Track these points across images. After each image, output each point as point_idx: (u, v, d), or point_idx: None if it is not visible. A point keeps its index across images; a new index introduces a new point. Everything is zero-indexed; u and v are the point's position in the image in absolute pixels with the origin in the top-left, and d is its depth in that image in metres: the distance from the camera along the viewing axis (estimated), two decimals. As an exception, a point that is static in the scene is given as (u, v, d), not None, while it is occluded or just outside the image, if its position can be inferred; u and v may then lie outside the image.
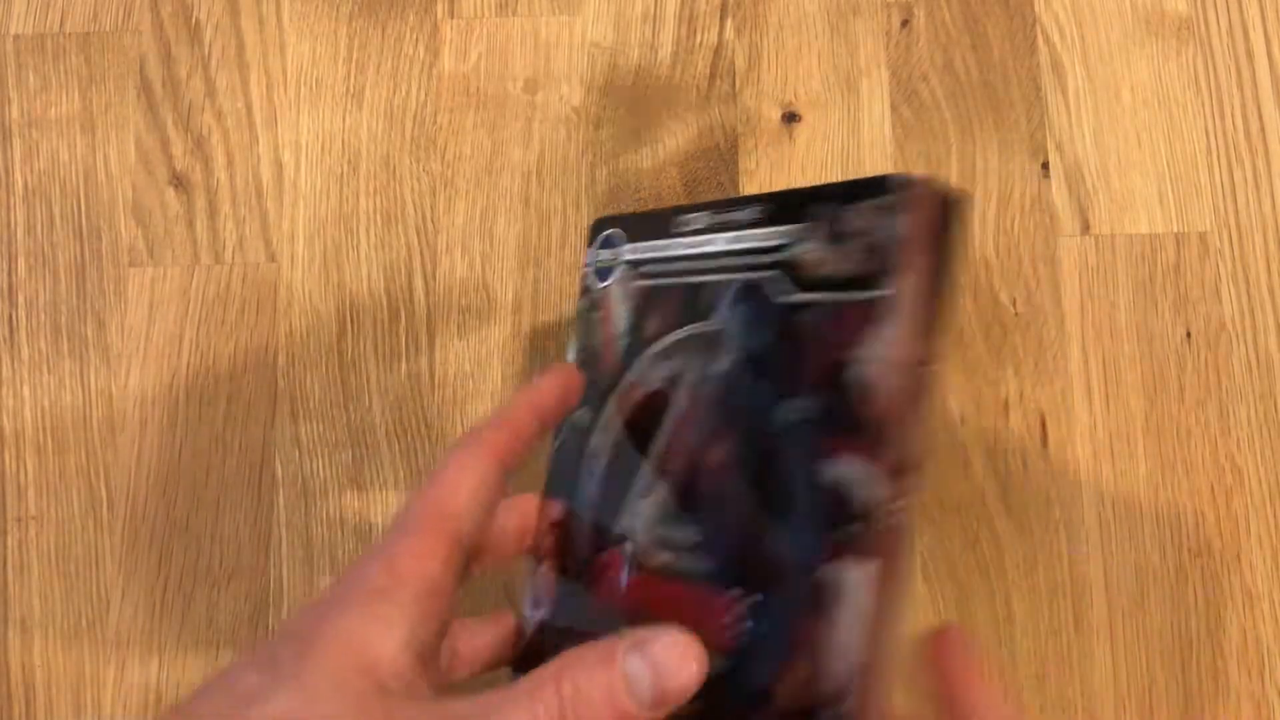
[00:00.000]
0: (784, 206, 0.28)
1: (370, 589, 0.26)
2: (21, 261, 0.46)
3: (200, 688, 0.24)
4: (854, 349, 0.24)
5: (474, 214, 0.46)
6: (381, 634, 0.25)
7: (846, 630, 0.23)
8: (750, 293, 0.28)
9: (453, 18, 0.48)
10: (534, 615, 0.33)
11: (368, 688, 0.24)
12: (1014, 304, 0.45)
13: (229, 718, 0.23)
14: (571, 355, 0.35)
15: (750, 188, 0.46)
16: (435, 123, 0.47)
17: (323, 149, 0.47)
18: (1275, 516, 0.43)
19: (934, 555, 0.43)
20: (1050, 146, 0.46)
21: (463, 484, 0.29)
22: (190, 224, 0.46)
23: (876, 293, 0.24)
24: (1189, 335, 0.45)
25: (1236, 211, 0.46)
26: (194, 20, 0.48)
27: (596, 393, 0.33)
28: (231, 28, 0.48)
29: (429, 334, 0.45)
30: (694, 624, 0.24)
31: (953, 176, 0.46)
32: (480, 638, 0.32)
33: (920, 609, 0.43)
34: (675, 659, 0.23)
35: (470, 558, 0.29)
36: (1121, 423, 0.44)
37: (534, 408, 0.32)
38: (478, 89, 0.47)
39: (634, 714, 0.23)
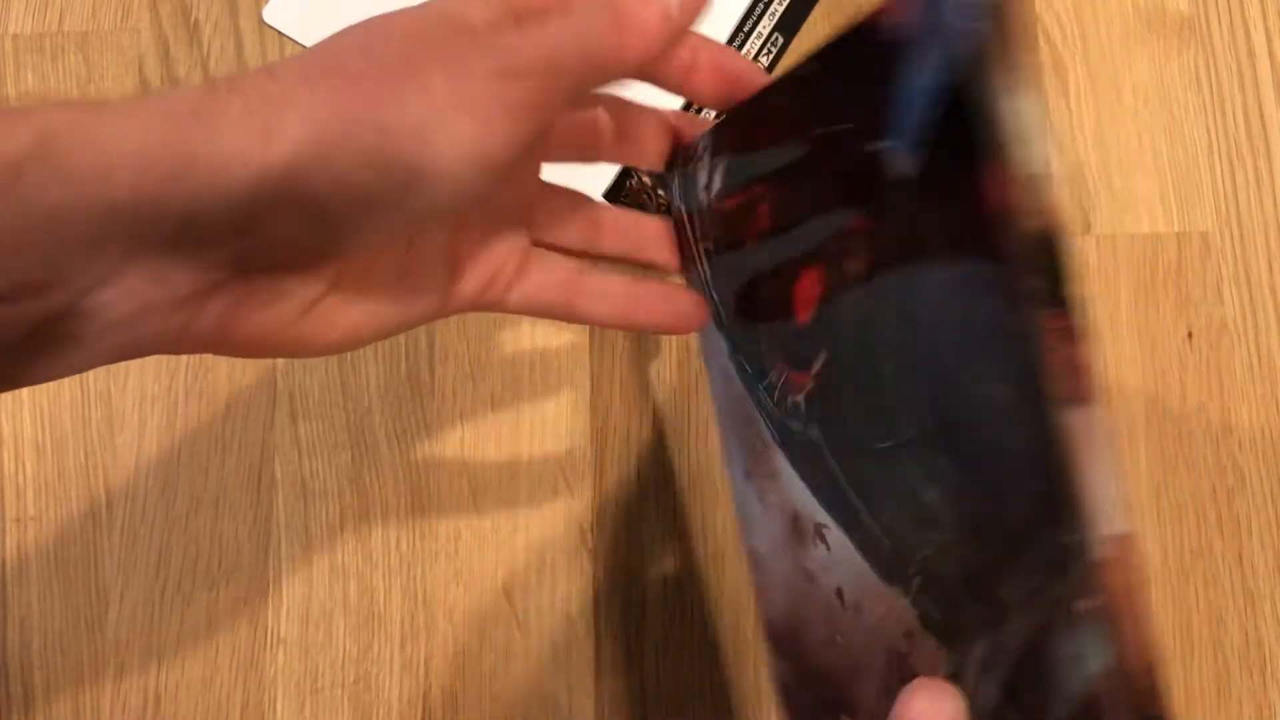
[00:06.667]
0: None
1: None
2: (20, 261, 0.46)
3: None
4: None
5: (474, 214, 0.46)
6: None
7: None
8: None
9: (452, 17, 0.48)
10: None
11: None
12: (1015, 304, 0.45)
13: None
14: None
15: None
16: (435, 122, 0.47)
17: (322, 148, 0.47)
18: (1277, 517, 0.43)
19: (935, 556, 0.43)
20: (1051, 147, 0.46)
21: None
22: (189, 224, 0.46)
23: None
24: (1190, 336, 0.45)
25: (1238, 211, 0.46)
26: (193, 19, 0.48)
27: None
28: (230, 27, 0.48)
29: (428, 335, 0.45)
30: None
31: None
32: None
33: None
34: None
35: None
36: (1123, 423, 0.44)
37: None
38: (477, 88, 0.47)
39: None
